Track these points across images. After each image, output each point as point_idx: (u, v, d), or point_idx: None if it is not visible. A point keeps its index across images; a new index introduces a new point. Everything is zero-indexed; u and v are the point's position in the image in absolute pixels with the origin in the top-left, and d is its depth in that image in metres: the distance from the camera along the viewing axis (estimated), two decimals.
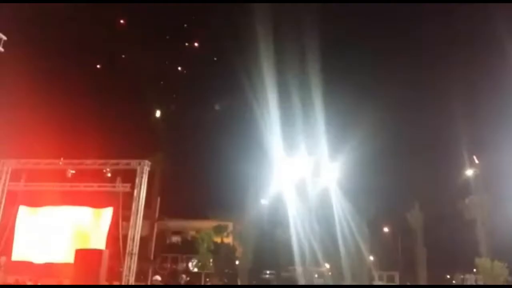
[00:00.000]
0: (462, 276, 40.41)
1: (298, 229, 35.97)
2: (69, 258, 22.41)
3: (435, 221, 36.71)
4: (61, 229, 26.26)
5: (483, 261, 32.77)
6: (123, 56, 39.78)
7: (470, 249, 33.71)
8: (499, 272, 31.74)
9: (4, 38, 21.19)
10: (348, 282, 35.17)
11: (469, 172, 35.36)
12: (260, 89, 37.58)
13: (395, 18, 40.81)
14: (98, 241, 25.31)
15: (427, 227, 37.07)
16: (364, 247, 36.05)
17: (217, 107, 44.54)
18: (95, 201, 25.96)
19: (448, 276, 42.51)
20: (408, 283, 39.17)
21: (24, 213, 27.01)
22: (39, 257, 25.87)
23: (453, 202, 35.00)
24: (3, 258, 26.36)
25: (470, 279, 39.38)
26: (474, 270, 36.09)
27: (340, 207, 36.55)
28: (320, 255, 36.00)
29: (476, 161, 35.31)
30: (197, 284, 32.38)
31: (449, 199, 35.23)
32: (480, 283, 34.54)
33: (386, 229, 41.84)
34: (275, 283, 39.19)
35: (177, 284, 25.98)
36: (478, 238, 33.80)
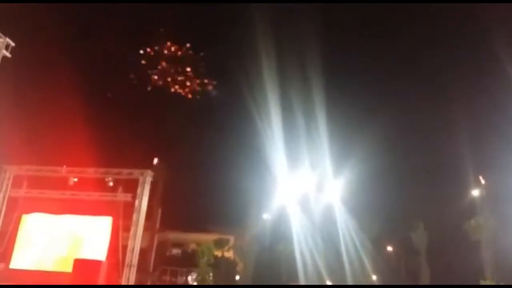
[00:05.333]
0: None
1: (301, 245, 35.60)
2: (68, 268, 22.19)
3: (440, 241, 36.24)
4: (61, 238, 26.05)
5: (488, 283, 32.18)
6: (130, 66, 39.89)
7: (475, 271, 33.13)
8: None
9: (12, 44, 21.20)
10: None
11: (475, 193, 34.86)
12: (263, 104, 37.57)
13: (403, 36, 40.83)
14: (98, 251, 25.02)
15: (432, 248, 36.59)
16: (368, 266, 35.64)
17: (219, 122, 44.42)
18: (96, 210, 25.76)
19: None
20: None
21: (25, 221, 26.82)
22: (38, 266, 25.62)
23: (458, 222, 34.49)
24: (1, 266, 26.07)
25: None
26: None
27: (343, 224, 36.21)
28: (323, 272, 35.55)
29: (482, 182, 34.87)
30: None
31: (454, 220, 34.72)
32: None
33: (389, 248, 41.31)
34: None
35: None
36: (483, 260, 33.27)
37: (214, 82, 38.50)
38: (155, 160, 36.00)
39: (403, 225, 37.54)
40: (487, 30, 32.81)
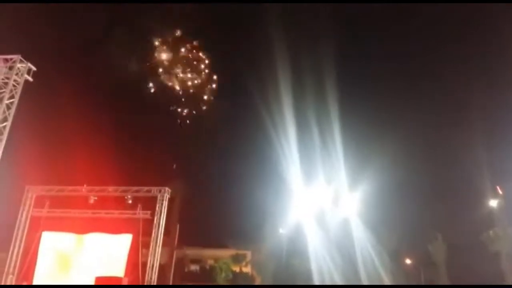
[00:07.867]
0: None
1: (318, 259, 35.49)
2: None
3: (458, 253, 35.79)
4: (82, 256, 26.50)
5: None
6: (147, 86, 40.74)
7: (494, 282, 32.66)
8: None
9: (34, 68, 22.00)
10: None
11: (493, 203, 34.56)
12: (279, 119, 37.86)
13: (417, 48, 40.91)
14: (118, 268, 25.41)
15: (450, 259, 36.16)
16: (386, 279, 35.28)
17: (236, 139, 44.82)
18: (116, 228, 26.20)
19: None
20: None
21: (46, 239, 27.36)
22: (59, 283, 26.04)
23: (477, 234, 34.19)
24: (24, 284, 26.59)
25: None
26: None
27: (361, 238, 36.02)
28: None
29: (500, 192, 34.56)
30: None
31: (472, 231, 34.37)
32: None
33: (408, 261, 40.89)
34: None
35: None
36: (502, 271, 32.82)
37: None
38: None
39: (421, 238, 37.19)
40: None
